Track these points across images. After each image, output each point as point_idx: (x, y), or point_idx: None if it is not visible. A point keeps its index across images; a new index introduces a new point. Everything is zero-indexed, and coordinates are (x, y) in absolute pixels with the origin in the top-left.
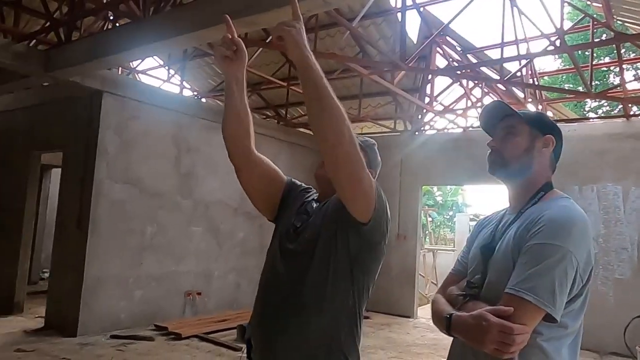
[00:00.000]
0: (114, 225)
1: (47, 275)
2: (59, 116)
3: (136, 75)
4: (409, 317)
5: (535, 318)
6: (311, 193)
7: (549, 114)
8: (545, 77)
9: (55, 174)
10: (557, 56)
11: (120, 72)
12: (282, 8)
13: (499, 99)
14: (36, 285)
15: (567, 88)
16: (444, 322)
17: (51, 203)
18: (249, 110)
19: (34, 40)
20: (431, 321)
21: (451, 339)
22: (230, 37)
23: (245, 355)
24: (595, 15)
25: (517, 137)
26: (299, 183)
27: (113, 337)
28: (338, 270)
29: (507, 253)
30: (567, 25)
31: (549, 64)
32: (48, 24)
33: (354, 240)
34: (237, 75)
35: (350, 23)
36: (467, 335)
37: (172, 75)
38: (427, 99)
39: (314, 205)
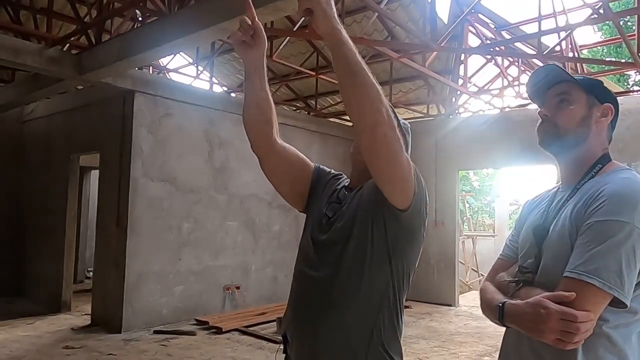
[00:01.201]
0: (152, 222)
1: (92, 273)
2: (95, 118)
3: (167, 74)
4: (450, 305)
5: (600, 304)
6: (342, 180)
7: None
8: (585, 51)
9: (95, 175)
10: (596, 29)
11: (151, 72)
12: None
13: (552, 63)
14: (82, 284)
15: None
16: (496, 312)
17: (92, 204)
18: (270, 98)
19: (67, 45)
20: (473, 309)
21: (496, 326)
22: (249, 21)
23: (282, 349)
24: None
25: (573, 105)
26: (328, 170)
27: (156, 332)
28: (375, 260)
29: (564, 233)
30: None
31: (588, 37)
32: (79, 27)
33: (392, 228)
34: (256, 62)
35: (378, 7)
36: (523, 325)
37: (201, 72)
38: (460, 81)
39: (346, 193)
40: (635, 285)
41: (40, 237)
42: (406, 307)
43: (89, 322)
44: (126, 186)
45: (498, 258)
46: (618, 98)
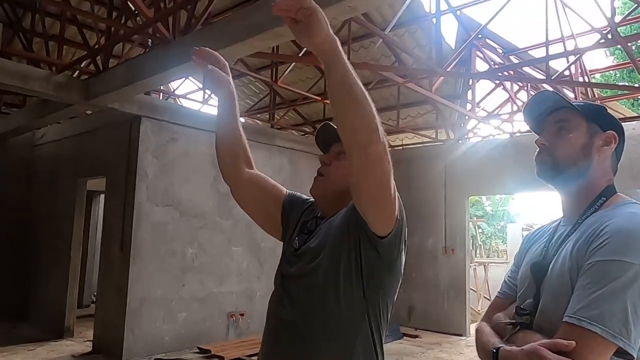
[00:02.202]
0: (156, 247)
1: None
2: (102, 143)
3: (177, 100)
4: (460, 335)
5: (603, 354)
6: (318, 209)
7: None
8: (597, 75)
9: (104, 199)
10: (608, 53)
11: (161, 97)
12: None
13: (550, 90)
14: (88, 309)
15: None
16: (490, 357)
17: (100, 227)
18: (239, 128)
19: (77, 71)
20: None
21: None
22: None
23: None
24: None
25: (573, 133)
26: (304, 198)
27: None
28: (347, 293)
29: (564, 272)
30: (618, 19)
31: (600, 61)
32: (87, 54)
33: (369, 257)
34: (223, 92)
35: (382, 33)
36: None
37: (209, 97)
38: (469, 105)
39: (317, 223)
40: None
41: (47, 261)
42: (415, 336)
43: (91, 348)
44: (130, 211)
45: (496, 296)
46: (632, 123)
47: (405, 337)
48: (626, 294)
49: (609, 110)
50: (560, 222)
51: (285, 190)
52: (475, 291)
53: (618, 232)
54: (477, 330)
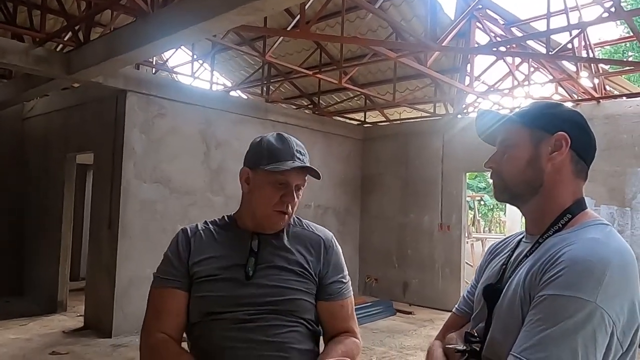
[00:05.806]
0: (145, 225)
1: None
2: (90, 117)
3: (174, 76)
4: None
5: None
6: (221, 225)
7: (608, 88)
8: (607, 47)
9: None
10: (618, 22)
11: (153, 70)
12: None
13: (484, 109)
14: (82, 282)
15: (631, 58)
16: None
17: None
18: None
19: (61, 45)
20: None
21: None
22: None
23: None
24: None
25: (515, 149)
26: (187, 240)
27: None
28: None
29: (514, 301)
30: None
31: (610, 32)
32: (66, 24)
33: None
34: None
35: (371, 7)
36: None
37: (201, 68)
38: (467, 79)
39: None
40: None
41: (39, 237)
42: (408, 312)
43: (82, 324)
44: (118, 188)
45: (452, 312)
46: (637, 99)
47: (398, 314)
48: (577, 335)
49: (612, 88)
50: (523, 236)
51: (178, 291)
52: (472, 266)
53: (574, 263)
54: (429, 352)
